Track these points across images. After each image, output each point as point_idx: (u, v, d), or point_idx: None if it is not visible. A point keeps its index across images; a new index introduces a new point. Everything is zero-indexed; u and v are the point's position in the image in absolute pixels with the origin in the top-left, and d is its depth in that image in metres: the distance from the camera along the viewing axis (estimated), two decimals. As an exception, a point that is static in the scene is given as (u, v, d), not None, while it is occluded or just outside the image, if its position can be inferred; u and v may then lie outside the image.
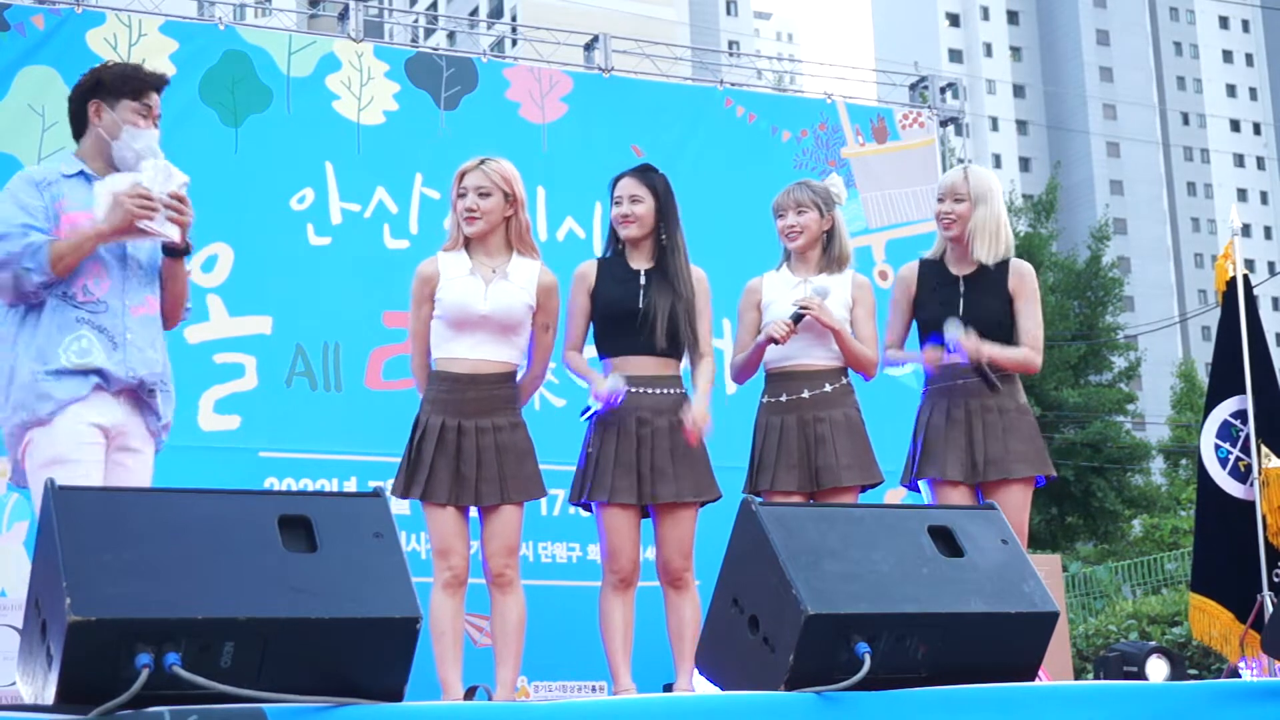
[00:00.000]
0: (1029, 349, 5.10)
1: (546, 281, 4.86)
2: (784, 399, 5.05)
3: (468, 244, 4.86)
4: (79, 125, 4.20)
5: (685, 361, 5.01)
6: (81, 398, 4.02)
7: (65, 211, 4.07)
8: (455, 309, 4.75)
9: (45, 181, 4.10)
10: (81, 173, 4.14)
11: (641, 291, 4.92)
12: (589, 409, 4.90)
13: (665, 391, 4.91)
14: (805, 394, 5.03)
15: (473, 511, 4.77)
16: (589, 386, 4.90)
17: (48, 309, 4.06)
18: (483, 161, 4.83)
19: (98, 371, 4.04)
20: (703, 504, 4.93)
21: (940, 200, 5.16)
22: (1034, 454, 5.06)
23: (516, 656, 4.74)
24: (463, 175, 4.84)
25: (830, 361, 5.06)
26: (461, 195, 4.83)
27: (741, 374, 5.22)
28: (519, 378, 4.86)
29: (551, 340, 4.94)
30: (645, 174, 5.03)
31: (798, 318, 4.97)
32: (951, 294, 5.11)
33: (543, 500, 5.05)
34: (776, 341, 4.98)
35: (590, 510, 4.98)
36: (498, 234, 4.84)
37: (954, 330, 4.99)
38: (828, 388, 5.04)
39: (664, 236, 4.96)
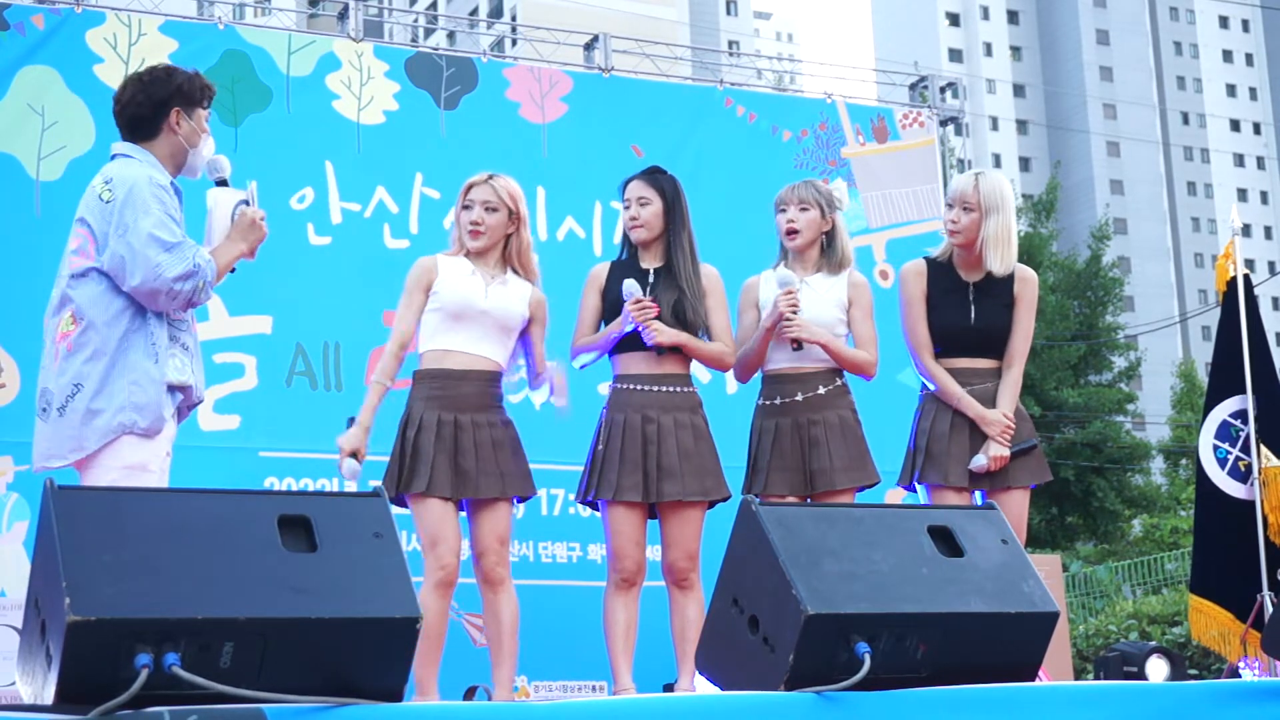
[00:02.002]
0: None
1: (538, 297, 4.94)
2: (778, 402, 5.04)
3: (468, 254, 4.90)
4: (147, 130, 4.11)
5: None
6: (171, 415, 4.01)
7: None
8: (457, 300, 4.77)
9: (165, 189, 4.05)
10: (173, 183, 4.11)
11: (648, 290, 4.93)
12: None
13: (672, 389, 4.92)
14: (799, 397, 5.02)
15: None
16: (612, 335, 4.90)
17: (156, 318, 4.00)
18: (491, 177, 4.88)
19: (183, 389, 4.04)
20: (711, 504, 4.93)
21: (949, 206, 5.12)
22: (1034, 461, 5.09)
23: (513, 655, 4.74)
24: (470, 188, 4.87)
25: (824, 364, 5.04)
26: (467, 208, 4.85)
27: (744, 372, 5.17)
28: (514, 380, 4.91)
29: (544, 348, 4.97)
30: (653, 176, 5.05)
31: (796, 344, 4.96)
32: (962, 301, 5.09)
33: (543, 500, 5.06)
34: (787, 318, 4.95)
35: (596, 509, 4.98)
36: (496, 250, 4.90)
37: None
38: (821, 390, 5.02)
39: (670, 237, 4.97)
